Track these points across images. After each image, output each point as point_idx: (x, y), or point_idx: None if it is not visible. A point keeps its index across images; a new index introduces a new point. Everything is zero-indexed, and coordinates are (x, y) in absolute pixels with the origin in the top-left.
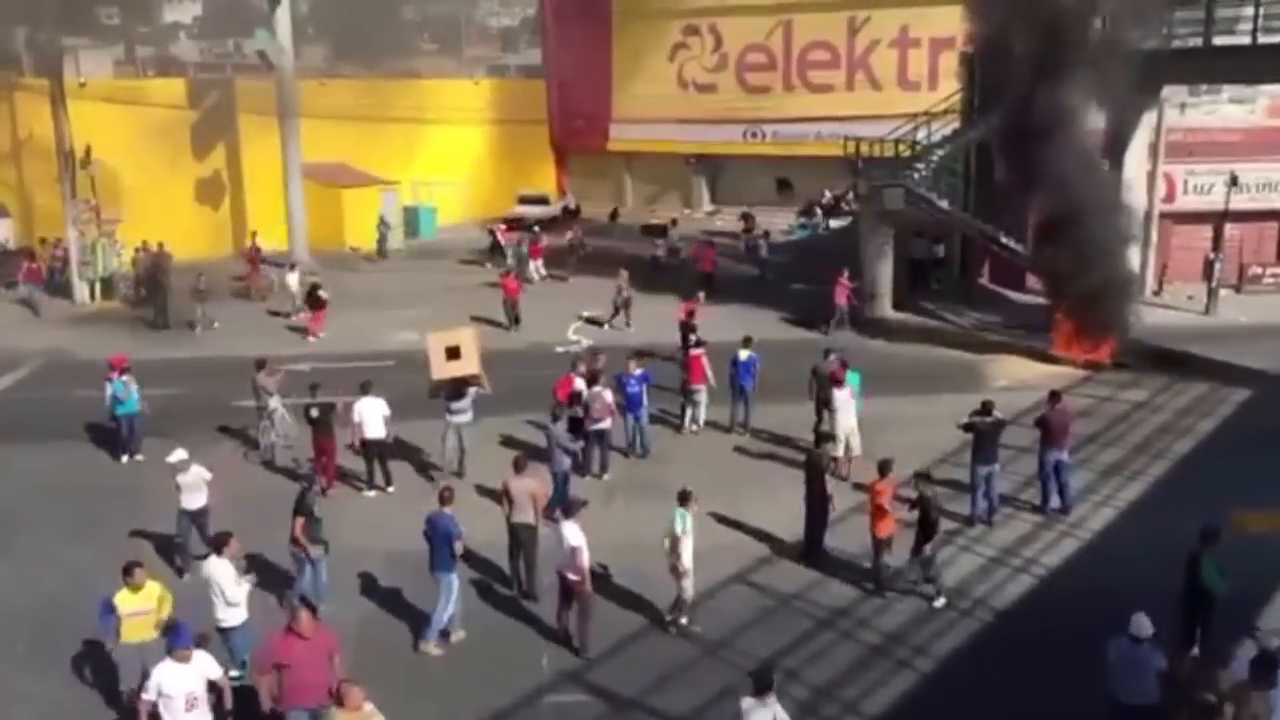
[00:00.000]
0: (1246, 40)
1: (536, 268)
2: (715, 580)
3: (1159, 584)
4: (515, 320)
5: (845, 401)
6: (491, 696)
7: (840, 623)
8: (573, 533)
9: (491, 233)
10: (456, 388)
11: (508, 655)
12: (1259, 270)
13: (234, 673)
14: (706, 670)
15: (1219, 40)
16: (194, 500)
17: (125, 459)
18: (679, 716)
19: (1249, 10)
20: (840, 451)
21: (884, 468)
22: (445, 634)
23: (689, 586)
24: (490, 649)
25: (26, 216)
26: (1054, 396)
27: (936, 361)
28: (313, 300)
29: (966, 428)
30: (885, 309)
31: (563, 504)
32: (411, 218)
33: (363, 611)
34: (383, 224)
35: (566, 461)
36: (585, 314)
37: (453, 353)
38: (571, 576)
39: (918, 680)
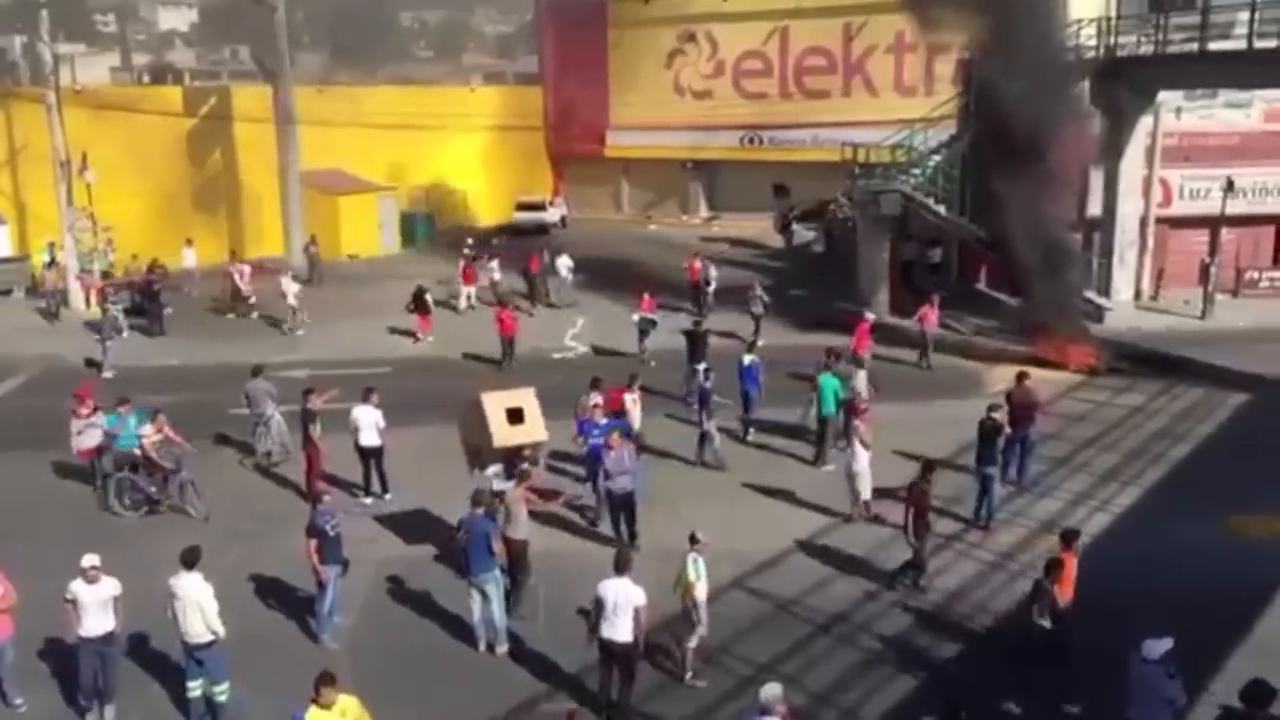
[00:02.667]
0: (1242, 45)
1: (468, 295)
2: (714, 586)
3: (1156, 589)
4: (509, 355)
5: (865, 436)
6: (487, 704)
7: (839, 627)
8: (633, 590)
9: (228, 275)
10: (511, 461)
11: (506, 663)
12: (1255, 275)
13: (219, 689)
14: (704, 676)
15: (1215, 45)
16: (99, 623)
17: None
18: None
19: (1245, 15)
20: (862, 487)
21: (1070, 537)
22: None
23: (703, 628)
24: (484, 656)
25: (23, 224)
26: (1020, 376)
27: (934, 366)
28: (419, 304)
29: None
30: (880, 313)
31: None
32: (408, 224)
33: (357, 617)
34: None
35: (625, 481)
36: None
37: (515, 416)
38: (623, 639)
39: (916, 685)
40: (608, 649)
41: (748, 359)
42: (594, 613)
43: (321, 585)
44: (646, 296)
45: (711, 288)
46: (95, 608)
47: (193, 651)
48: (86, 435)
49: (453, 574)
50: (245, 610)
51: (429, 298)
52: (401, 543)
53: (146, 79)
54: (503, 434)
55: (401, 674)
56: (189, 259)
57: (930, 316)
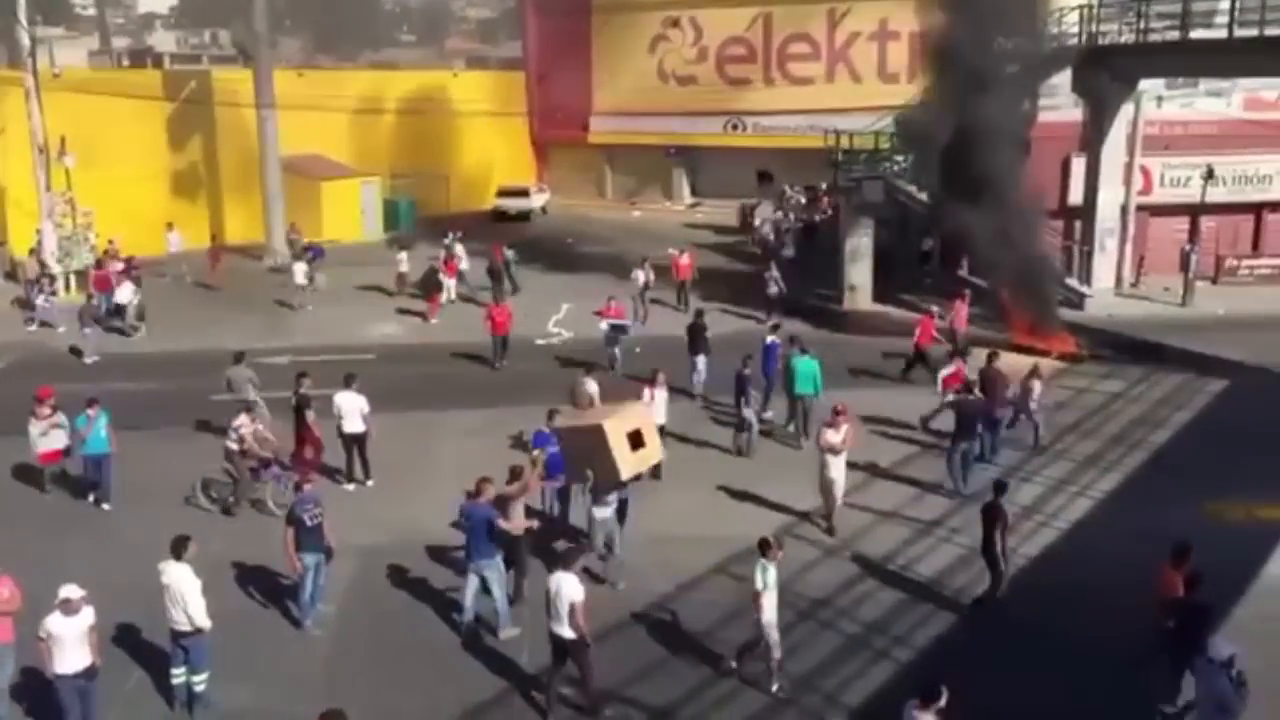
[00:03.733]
0: (1223, 33)
1: (450, 288)
2: (697, 571)
3: (1137, 575)
4: (502, 351)
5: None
6: (474, 691)
7: (820, 613)
8: (571, 585)
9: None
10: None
11: (490, 651)
12: (1235, 262)
13: (198, 678)
14: (686, 662)
15: (1196, 34)
16: (78, 658)
17: (90, 500)
18: (659, 708)
19: (1225, 3)
20: (836, 494)
21: (1182, 553)
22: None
23: (776, 648)
24: (473, 645)
25: (1, 209)
26: (990, 356)
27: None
28: (429, 285)
29: (950, 405)
30: (863, 302)
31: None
32: (390, 211)
33: (342, 605)
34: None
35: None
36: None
37: (635, 439)
38: (568, 634)
39: (897, 670)
40: (557, 643)
41: (769, 339)
42: (546, 605)
43: (301, 577)
44: (613, 303)
45: (648, 293)
46: (73, 642)
47: (178, 639)
48: (52, 437)
49: (437, 561)
50: (228, 596)
51: (441, 278)
52: (385, 530)
53: (126, 63)
54: (629, 464)
55: (384, 661)
56: (174, 243)
57: (961, 313)
